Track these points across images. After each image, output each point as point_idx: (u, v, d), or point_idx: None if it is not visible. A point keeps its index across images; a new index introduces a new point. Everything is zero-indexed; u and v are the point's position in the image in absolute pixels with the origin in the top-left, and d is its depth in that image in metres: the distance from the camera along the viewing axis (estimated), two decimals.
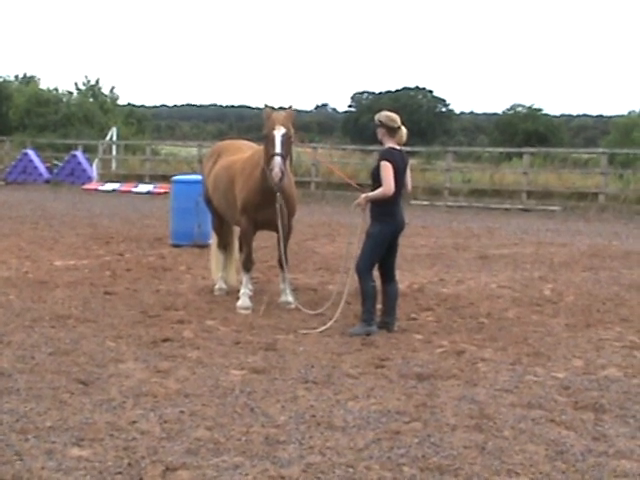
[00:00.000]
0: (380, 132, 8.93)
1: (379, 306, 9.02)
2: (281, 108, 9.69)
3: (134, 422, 5.91)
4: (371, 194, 8.80)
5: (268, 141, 9.23)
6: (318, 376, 7.13)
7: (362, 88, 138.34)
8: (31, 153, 31.67)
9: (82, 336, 8.30)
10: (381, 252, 8.88)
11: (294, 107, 9.68)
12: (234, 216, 10.19)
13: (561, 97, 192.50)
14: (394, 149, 8.87)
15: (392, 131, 8.89)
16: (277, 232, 9.82)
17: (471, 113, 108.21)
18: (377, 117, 9.01)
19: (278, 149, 9.14)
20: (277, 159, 9.08)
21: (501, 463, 5.35)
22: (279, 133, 9.20)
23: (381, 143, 9.01)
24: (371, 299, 8.82)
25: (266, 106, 9.53)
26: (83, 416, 6.01)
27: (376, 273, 8.99)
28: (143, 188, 28.61)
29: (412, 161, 34.65)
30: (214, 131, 78.53)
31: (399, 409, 6.33)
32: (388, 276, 9.07)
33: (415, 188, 27.11)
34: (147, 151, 33.50)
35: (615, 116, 61.49)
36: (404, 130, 8.91)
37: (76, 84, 49.96)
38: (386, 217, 8.80)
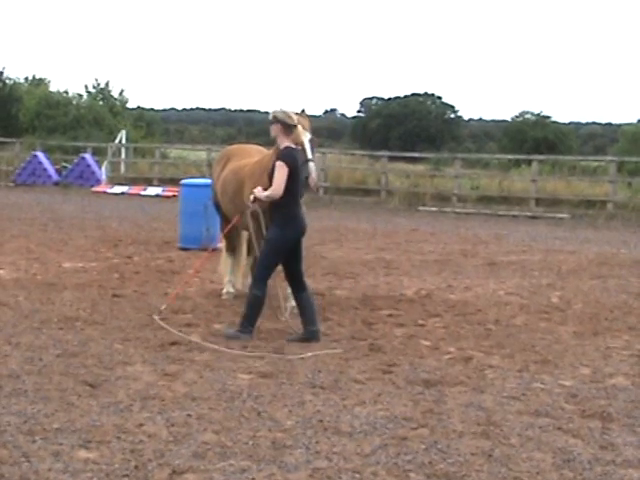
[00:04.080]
0: (275, 129, 8.54)
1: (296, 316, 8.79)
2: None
3: (141, 425, 5.91)
4: (264, 193, 8.44)
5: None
6: (325, 381, 7.13)
7: (371, 94, 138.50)
8: (40, 155, 31.72)
9: (90, 338, 8.31)
10: (279, 259, 8.52)
11: (305, 111, 9.69)
12: (242, 220, 10.18)
13: (570, 104, 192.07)
14: (293, 149, 8.50)
15: (288, 129, 8.49)
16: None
17: (480, 120, 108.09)
18: (272, 112, 8.59)
19: (310, 155, 9.14)
20: (312, 165, 9.06)
21: (508, 470, 5.34)
22: (307, 139, 9.18)
23: (274, 142, 8.69)
24: (253, 308, 8.46)
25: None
26: (90, 418, 6.02)
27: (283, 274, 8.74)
28: (152, 191, 28.66)
29: (420, 167, 34.84)
30: (223, 135, 78.58)
31: (406, 415, 6.32)
32: (297, 284, 8.67)
33: (423, 194, 27.34)
34: (156, 154, 33.57)
35: (624, 124, 61.31)
36: (300, 129, 8.63)
37: (86, 87, 50.04)
38: (287, 221, 8.43)
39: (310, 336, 8.51)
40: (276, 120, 8.52)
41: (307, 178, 9.01)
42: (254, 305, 8.49)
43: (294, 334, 8.65)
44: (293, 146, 8.52)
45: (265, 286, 8.57)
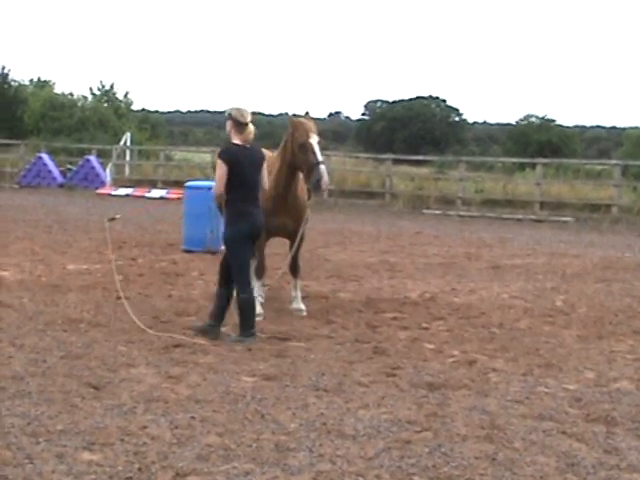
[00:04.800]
0: (228, 125, 8.63)
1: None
2: (295, 115, 9.72)
3: (145, 427, 5.91)
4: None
5: (305, 150, 9.18)
6: (329, 384, 7.12)
7: (376, 96, 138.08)
8: (45, 157, 31.78)
9: (94, 340, 8.32)
10: (244, 255, 8.52)
11: (310, 114, 9.71)
12: None
13: (574, 108, 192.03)
14: (237, 145, 8.54)
15: (240, 126, 8.53)
16: (289, 240, 9.89)
17: (484, 123, 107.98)
18: (228, 109, 8.68)
19: (320, 157, 9.17)
20: (323, 168, 9.09)
21: (512, 474, 5.33)
22: (315, 141, 9.21)
23: (228, 138, 8.74)
24: (246, 311, 8.48)
25: (293, 115, 9.60)
26: (94, 420, 6.02)
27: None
28: (156, 193, 28.68)
29: (425, 170, 34.87)
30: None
31: (410, 418, 6.32)
32: (228, 280, 8.66)
33: (428, 197, 27.34)
34: (161, 156, 33.59)
35: (629, 128, 61.32)
36: (251, 128, 8.59)
37: (91, 89, 50.17)
38: (235, 219, 8.47)
39: (206, 327, 8.63)
40: (230, 117, 8.62)
41: (319, 181, 9.03)
42: (246, 308, 8.52)
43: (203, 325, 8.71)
44: (239, 143, 8.56)
45: (249, 286, 8.60)
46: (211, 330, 8.63)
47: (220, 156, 8.49)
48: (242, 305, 8.53)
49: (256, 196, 8.62)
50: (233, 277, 8.57)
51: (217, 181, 8.44)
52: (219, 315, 8.67)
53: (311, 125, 9.35)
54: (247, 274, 8.66)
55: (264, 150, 11.16)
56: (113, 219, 10.47)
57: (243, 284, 8.54)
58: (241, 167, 8.43)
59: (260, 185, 8.70)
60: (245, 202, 8.48)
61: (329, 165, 28.40)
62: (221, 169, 8.40)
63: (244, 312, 8.53)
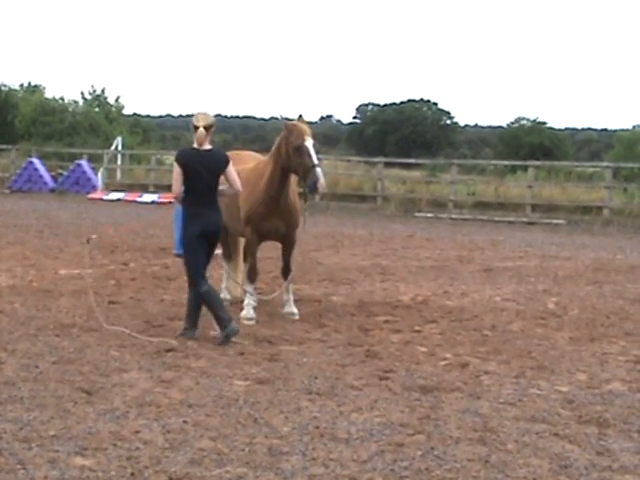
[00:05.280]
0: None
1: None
2: (286, 119, 9.74)
3: (137, 432, 5.91)
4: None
5: (300, 153, 9.21)
6: (322, 387, 7.12)
7: (367, 100, 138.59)
8: (36, 162, 31.72)
9: (86, 345, 8.31)
10: (198, 255, 8.69)
11: (303, 117, 9.73)
12: (238, 227, 10.21)
13: (566, 111, 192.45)
14: (193, 149, 8.73)
15: (194, 130, 8.73)
16: (282, 243, 9.91)
17: (476, 126, 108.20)
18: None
19: (316, 160, 9.21)
20: (319, 170, 9.16)
21: (505, 477, 5.34)
22: (310, 144, 9.24)
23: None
24: (211, 303, 8.64)
25: (285, 119, 9.62)
26: (86, 425, 6.01)
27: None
28: (148, 198, 28.64)
29: (416, 173, 34.86)
30: (219, 141, 78.46)
31: (402, 421, 6.32)
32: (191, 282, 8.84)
33: (419, 200, 27.38)
34: (152, 161, 33.57)
35: (620, 130, 61.42)
36: (200, 131, 8.65)
37: (82, 93, 50.06)
38: (189, 219, 8.67)
39: (182, 332, 8.79)
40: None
41: (315, 183, 9.07)
42: (209, 300, 8.66)
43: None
44: (195, 147, 8.72)
45: (203, 279, 8.71)
46: (185, 333, 8.78)
47: (176, 159, 8.75)
48: (205, 299, 8.68)
49: (211, 199, 8.74)
50: (187, 276, 8.78)
51: (173, 183, 8.73)
52: (192, 317, 8.81)
53: (305, 128, 9.38)
54: (200, 271, 8.74)
55: (256, 154, 11.24)
56: (89, 240, 10.67)
57: (198, 280, 8.69)
58: (194, 170, 8.59)
59: (215, 188, 8.78)
60: (197, 204, 8.65)
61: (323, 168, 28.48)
62: (175, 171, 8.68)
63: (210, 304, 8.66)
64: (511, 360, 8.26)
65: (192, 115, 8.89)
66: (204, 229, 8.65)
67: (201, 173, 8.60)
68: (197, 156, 8.66)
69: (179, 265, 13.87)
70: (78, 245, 16.10)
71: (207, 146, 8.74)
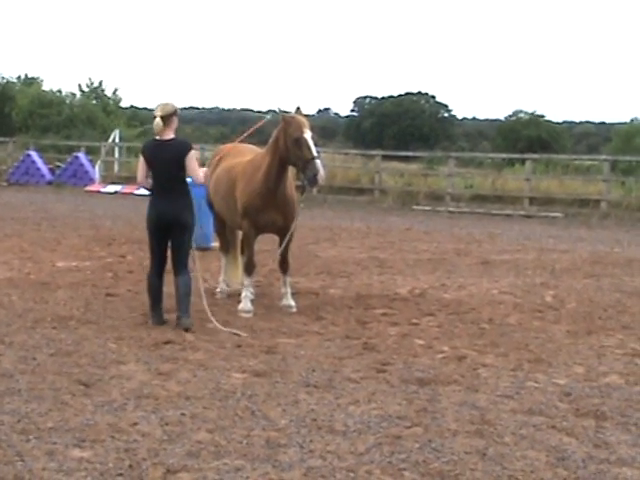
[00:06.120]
0: None
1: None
2: (284, 112, 9.71)
3: (135, 424, 5.91)
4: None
5: (300, 145, 9.20)
6: (319, 380, 7.13)
7: (365, 93, 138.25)
8: (34, 154, 31.67)
9: (84, 337, 8.31)
10: (151, 242, 9.02)
11: (301, 109, 9.70)
12: (235, 219, 10.20)
13: (563, 104, 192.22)
14: (154, 140, 8.92)
15: (154, 119, 8.87)
16: (279, 236, 9.90)
17: (473, 119, 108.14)
18: None
19: (315, 152, 9.20)
20: (319, 162, 9.16)
21: (502, 469, 5.35)
22: (309, 136, 9.23)
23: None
24: (149, 292, 9.06)
25: (282, 112, 9.60)
26: (84, 417, 6.01)
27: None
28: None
29: (414, 166, 34.85)
30: (216, 134, 78.36)
31: (400, 414, 6.33)
32: (175, 269, 9.02)
33: (417, 193, 27.37)
34: None
35: (617, 123, 61.53)
36: (156, 121, 8.76)
37: (79, 86, 49.89)
38: (149, 207, 8.99)
39: (176, 321, 8.89)
40: None
41: (315, 175, 9.07)
42: (149, 289, 9.08)
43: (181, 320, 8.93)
44: (157, 137, 8.89)
45: (153, 268, 9.04)
46: (180, 323, 8.90)
47: (141, 150, 9.08)
48: (148, 285, 9.05)
49: (171, 188, 8.85)
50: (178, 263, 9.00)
51: (138, 173, 9.07)
52: (182, 303, 8.92)
53: (304, 120, 9.37)
54: (152, 259, 9.05)
55: (254, 147, 11.21)
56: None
57: (150, 267, 9.03)
58: (153, 160, 8.84)
59: (177, 178, 8.88)
60: (156, 193, 8.92)
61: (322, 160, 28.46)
62: (139, 162, 9.04)
63: (149, 292, 9.03)
64: (508, 353, 8.27)
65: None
66: (158, 219, 8.86)
67: (161, 163, 8.78)
68: (157, 147, 8.86)
69: None
70: (75, 237, 16.11)
71: (169, 135, 8.84)
